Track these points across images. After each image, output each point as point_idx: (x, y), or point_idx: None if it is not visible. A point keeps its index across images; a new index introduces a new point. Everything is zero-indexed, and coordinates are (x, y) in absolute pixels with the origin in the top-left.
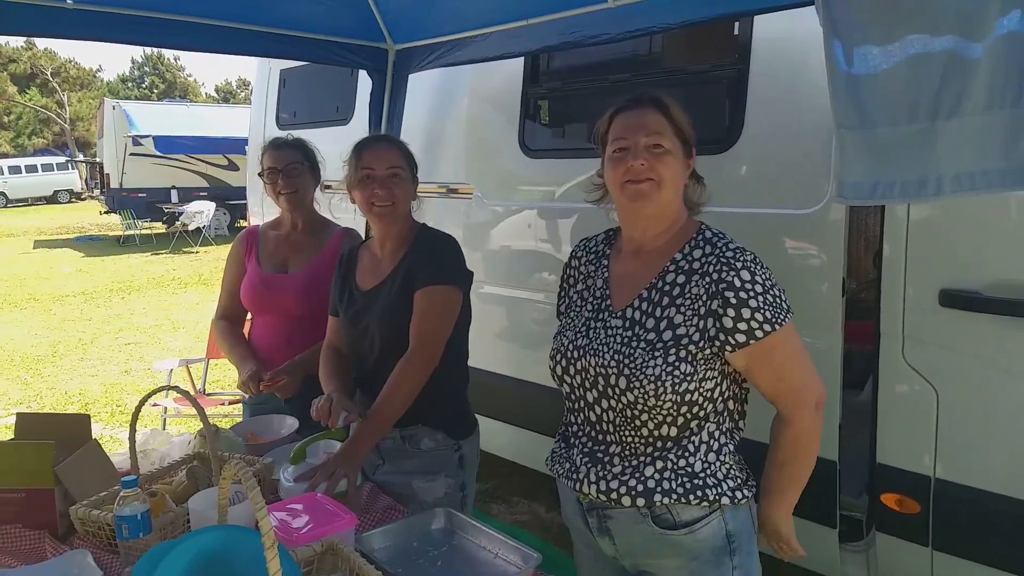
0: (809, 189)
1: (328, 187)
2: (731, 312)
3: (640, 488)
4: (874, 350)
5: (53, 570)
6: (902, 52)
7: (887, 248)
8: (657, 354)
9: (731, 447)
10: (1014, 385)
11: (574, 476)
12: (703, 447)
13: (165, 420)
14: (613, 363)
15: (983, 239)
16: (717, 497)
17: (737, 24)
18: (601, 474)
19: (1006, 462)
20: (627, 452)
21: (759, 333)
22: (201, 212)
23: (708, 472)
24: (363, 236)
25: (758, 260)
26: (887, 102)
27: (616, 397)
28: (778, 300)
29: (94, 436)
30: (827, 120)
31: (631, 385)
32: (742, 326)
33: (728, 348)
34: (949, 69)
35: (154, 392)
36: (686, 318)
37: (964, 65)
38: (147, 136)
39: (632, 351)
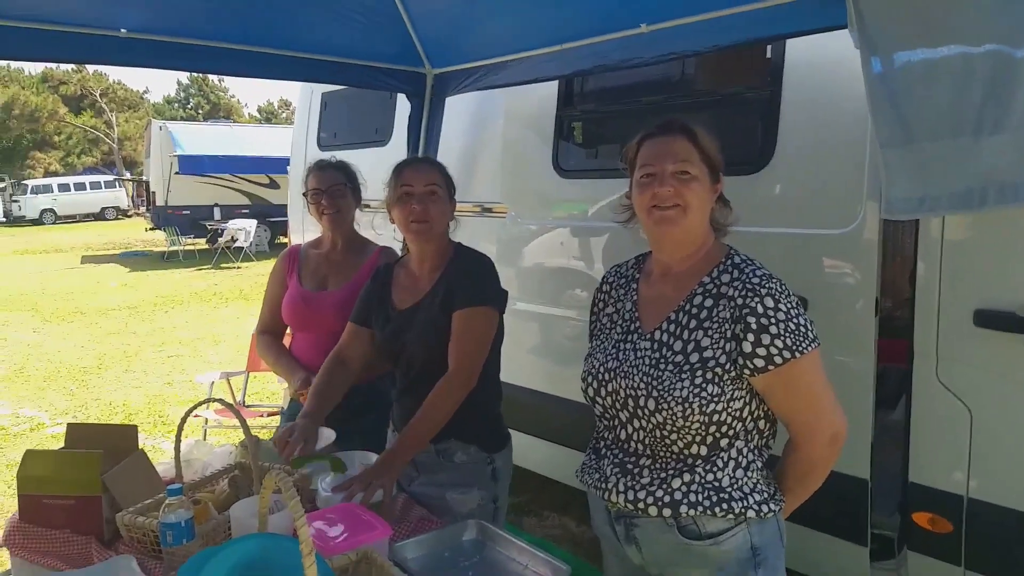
0: (842, 209)
1: (367, 207)
2: (751, 337)
3: (667, 499)
4: (907, 369)
5: (99, 574)
6: (942, 65)
7: (921, 268)
8: (684, 376)
9: (759, 463)
10: None
11: (603, 486)
12: (731, 463)
13: (206, 431)
14: (642, 385)
15: (1018, 259)
16: (743, 510)
17: (770, 47)
18: (629, 484)
19: None
20: (657, 465)
21: (778, 360)
22: (243, 230)
23: (735, 486)
24: (399, 255)
25: (785, 288)
26: (929, 117)
27: (646, 418)
28: (801, 329)
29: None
30: (860, 141)
31: (660, 407)
32: (761, 351)
33: (747, 372)
34: (991, 82)
35: (199, 404)
36: (713, 341)
37: (1007, 77)
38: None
39: (660, 373)
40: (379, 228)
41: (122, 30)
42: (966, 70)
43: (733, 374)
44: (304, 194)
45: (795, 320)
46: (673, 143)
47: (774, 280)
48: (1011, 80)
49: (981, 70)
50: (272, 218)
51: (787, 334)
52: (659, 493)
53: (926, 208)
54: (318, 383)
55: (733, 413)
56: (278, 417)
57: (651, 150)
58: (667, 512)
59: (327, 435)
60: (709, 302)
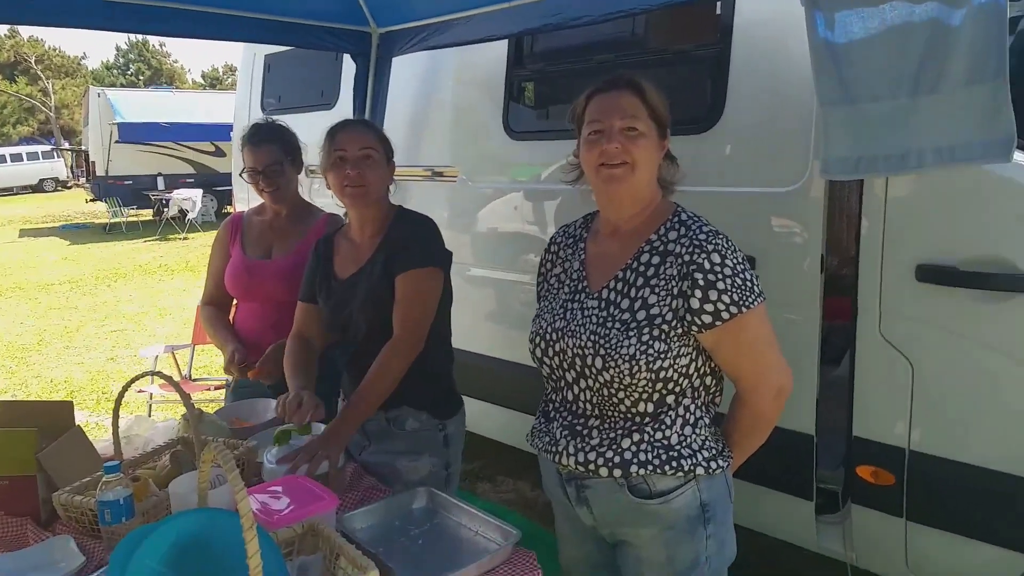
0: (789, 168)
1: (312, 171)
2: (698, 293)
3: (617, 459)
4: (852, 325)
5: (36, 556)
6: (883, 26)
7: (865, 224)
8: (631, 333)
9: (707, 420)
10: (988, 358)
11: (553, 449)
12: (679, 420)
13: (151, 406)
14: (589, 344)
15: (959, 215)
16: (692, 467)
17: (719, 4)
18: (579, 446)
19: (979, 434)
20: (605, 426)
21: (725, 315)
22: (189, 199)
23: (684, 444)
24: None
25: (731, 244)
26: (869, 77)
27: (593, 377)
28: (748, 284)
29: (79, 423)
30: (808, 100)
31: (607, 364)
32: (708, 307)
33: (695, 328)
34: (929, 43)
35: (136, 378)
36: (660, 298)
37: (944, 39)
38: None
39: (607, 331)
40: (316, 195)
41: None
42: (905, 30)
43: (680, 331)
44: (240, 174)
45: (741, 275)
46: (620, 98)
47: (720, 236)
48: (948, 41)
49: (919, 30)
50: (219, 187)
51: (734, 289)
52: (609, 454)
53: (863, 169)
54: (292, 363)
55: (679, 370)
56: (224, 391)
57: (598, 106)
58: (617, 472)
59: (273, 406)
60: (656, 259)
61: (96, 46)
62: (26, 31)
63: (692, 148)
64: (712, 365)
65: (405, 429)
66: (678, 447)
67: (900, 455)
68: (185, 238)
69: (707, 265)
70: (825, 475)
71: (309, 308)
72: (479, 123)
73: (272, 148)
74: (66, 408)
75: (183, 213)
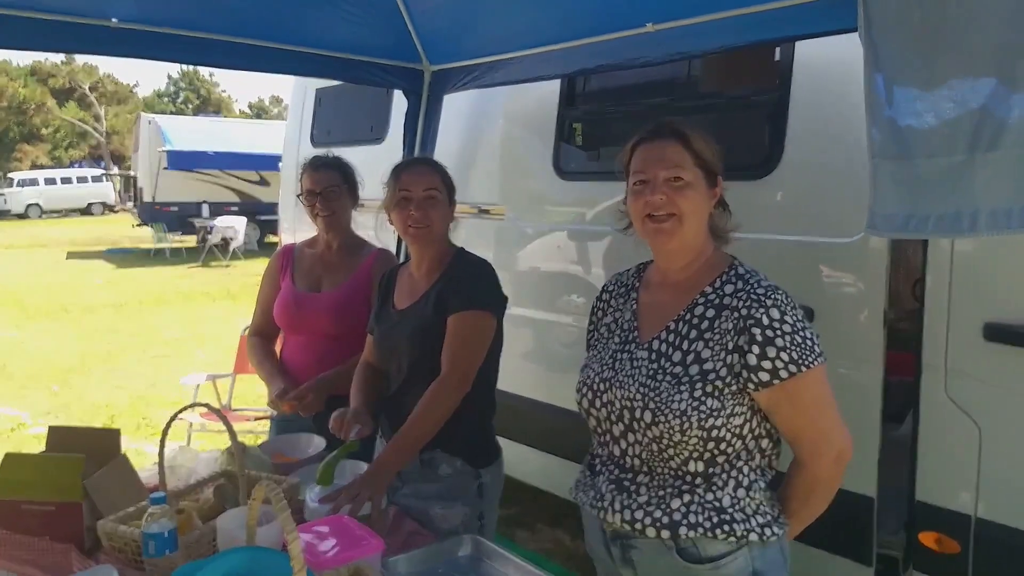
0: (850, 217)
1: (361, 206)
2: (756, 350)
3: (665, 520)
4: (915, 383)
5: None
6: (944, 83)
7: (930, 279)
8: (683, 388)
9: (762, 484)
10: None
11: (599, 504)
12: (732, 482)
13: (190, 435)
14: (638, 396)
15: None
16: (745, 533)
17: (778, 49)
18: (626, 503)
19: None
20: (654, 483)
21: (783, 374)
22: (232, 227)
23: (737, 507)
24: (395, 254)
25: (791, 300)
26: (926, 134)
27: (642, 431)
28: (807, 343)
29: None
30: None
31: (656, 419)
32: (766, 365)
33: (751, 386)
34: (990, 101)
35: (184, 409)
36: (714, 353)
37: (1006, 97)
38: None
39: (657, 384)
40: (380, 230)
41: (113, 20)
42: (966, 87)
43: (735, 388)
44: (298, 195)
45: (801, 334)
46: (665, 148)
47: (780, 292)
48: (1010, 99)
49: (981, 88)
50: (261, 216)
51: (793, 347)
52: (657, 513)
53: (911, 228)
54: (355, 384)
55: (732, 430)
56: (265, 421)
57: (643, 156)
58: (666, 534)
59: (317, 443)
60: (711, 312)
61: (148, 74)
62: (81, 58)
63: (749, 194)
64: (768, 427)
65: (438, 474)
66: (730, 510)
67: (966, 522)
68: (227, 265)
69: (765, 321)
70: (885, 540)
71: (373, 340)
72: (528, 162)
73: (332, 174)
74: (112, 436)
75: (226, 241)
